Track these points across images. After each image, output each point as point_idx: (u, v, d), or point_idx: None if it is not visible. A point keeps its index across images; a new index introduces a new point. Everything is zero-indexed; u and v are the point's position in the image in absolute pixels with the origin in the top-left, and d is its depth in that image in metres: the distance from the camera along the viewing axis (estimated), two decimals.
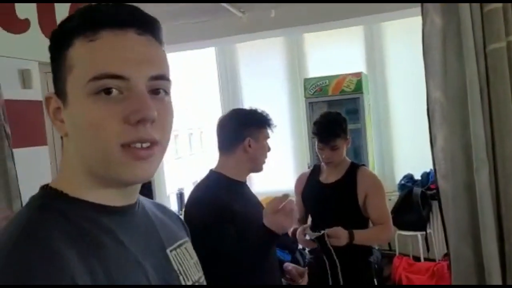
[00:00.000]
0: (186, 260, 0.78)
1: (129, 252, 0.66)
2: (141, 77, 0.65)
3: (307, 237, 2.21)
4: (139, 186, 0.73)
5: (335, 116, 2.38)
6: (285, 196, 1.54)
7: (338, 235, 2.10)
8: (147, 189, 1.98)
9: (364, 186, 2.26)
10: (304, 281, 1.88)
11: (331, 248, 2.12)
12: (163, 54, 0.71)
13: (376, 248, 4.32)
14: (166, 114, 0.68)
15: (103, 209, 0.68)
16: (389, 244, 4.39)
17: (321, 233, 2.12)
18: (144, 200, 0.80)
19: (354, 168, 2.31)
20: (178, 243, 0.79)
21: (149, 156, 0.66)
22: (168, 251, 0.75)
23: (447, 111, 1.62)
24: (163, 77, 0.68)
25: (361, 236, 2.16)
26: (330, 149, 2.26)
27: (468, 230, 1.54)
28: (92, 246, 0.62)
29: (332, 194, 2.29)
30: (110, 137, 0.63)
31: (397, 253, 4.22)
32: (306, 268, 2.00)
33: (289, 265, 1.94)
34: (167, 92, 0.69)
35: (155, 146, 0.66)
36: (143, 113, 0.63)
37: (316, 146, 2.35)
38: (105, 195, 0.68)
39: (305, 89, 4.53)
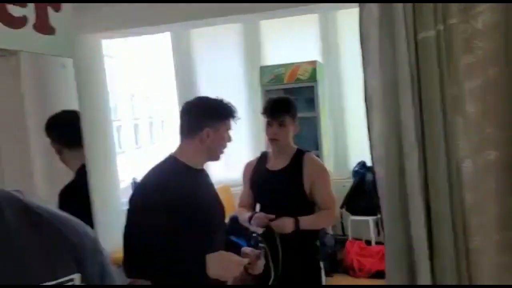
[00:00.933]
0: None
1: None
2: None
3: (258, 230, 2.26)
4: None
5: (286, 97, 2.49)
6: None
7: (283, 225, 2.17)
8: (82, 182, 1.88)
9: (310, 172, 2.31)
10: (261, 263, 1.91)
11: (277, 237, 2.18)
12: None
13: (331, 233, 4.44)
14: None
15: None
16: (342, 229, 4.51)
17: (264, 229, 2.20)
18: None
19: (300, 155, 2.35)
20: None
21: None
22: None
23: (382, 98, 1.67)
24: None
25: (306, 222, 2.23)
26: (278, 125, 2.30)
27: (400, 213, 1.61)
28: None
29: (279, 181, 2.32)
30: None
31: (350, 237, 4.33)
32: (263, 250, 2.02)
33: (247, 249, 1.96)
34: None
35: None
36: None
37: (264, 125, 2.38)
38: None
39: (261, 77, 4.54)
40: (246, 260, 1.75)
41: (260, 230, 2.27)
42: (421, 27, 1.52)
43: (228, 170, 4.42)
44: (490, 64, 1.58)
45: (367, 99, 1.75)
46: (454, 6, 1.56)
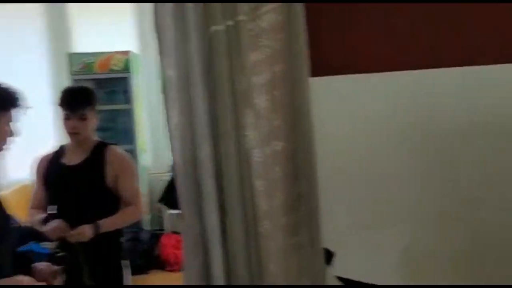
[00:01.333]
0: None
1: None
2: None
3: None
4: None
5: (85, 87, 2.34)
6: None
7: (80, 235, 2.01)
8: None
9: (113, 166, 2.19)
10: (59, 282, 1.70)
11: (75, 244, 2.01)
12: None
13: (147, 229, 4.36)
14: None
15: None
16: (160, 223, 4.48)
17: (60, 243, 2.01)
18: None
19: (102, 147, 2.21)
20: None
21: None
22: None
23: (178, 90, 1.67)
24: None
25: (108, 224, 2.10)
26: (78, 118, 2.13)
27: (195, 202, 1.64)
28: None
29: (77, 176, 2.15)
30: None
31: (168, 231, 4.33)
32: (62, 267, 1.79)
33: (40, 265, 1.71)
34: None
35: None
36: None
37: (61, 118, 2.17)
38: None
39: (71, 65, 4.21)
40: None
41: (53, 244, 2.05)
42: (212, 21, 1.55)
43: (29, 167, 3.98)
44: (276, 62, 1.70)
45: (164, 91, 1.72)
46: (244, 4, 1.63)
